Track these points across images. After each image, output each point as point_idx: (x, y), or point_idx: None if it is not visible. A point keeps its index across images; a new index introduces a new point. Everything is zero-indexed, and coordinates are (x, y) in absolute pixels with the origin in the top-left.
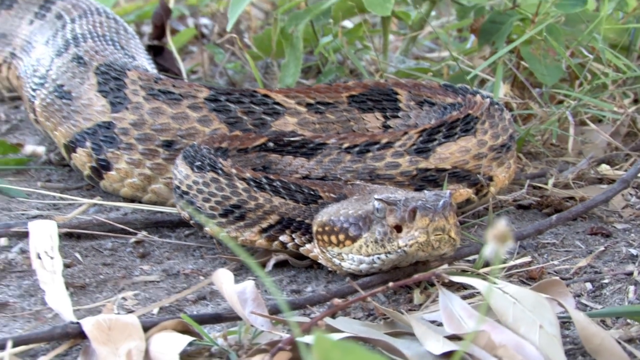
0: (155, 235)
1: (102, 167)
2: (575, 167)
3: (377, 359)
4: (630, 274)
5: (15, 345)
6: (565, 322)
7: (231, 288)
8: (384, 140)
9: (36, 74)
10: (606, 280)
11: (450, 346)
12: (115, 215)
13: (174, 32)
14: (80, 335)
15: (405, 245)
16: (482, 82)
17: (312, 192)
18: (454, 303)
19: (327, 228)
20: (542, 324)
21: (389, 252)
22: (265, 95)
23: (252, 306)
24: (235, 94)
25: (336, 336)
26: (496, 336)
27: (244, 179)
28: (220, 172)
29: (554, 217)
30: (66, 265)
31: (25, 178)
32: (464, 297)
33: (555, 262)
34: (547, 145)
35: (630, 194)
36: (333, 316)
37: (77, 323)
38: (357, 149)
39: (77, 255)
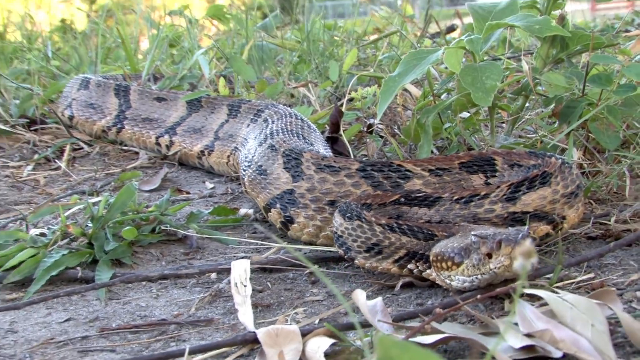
0: (323, 267)
1: (287, 222)
2: (632, 207)
3: (432, 357)
4: None
5: (211, 349)
6: (616, 322)
7: (364, 303)
8: (483, 193)
9: (246, 159)
10: None
11: (525, 341)
12: (296, 255)
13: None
14: (256, 341)
15: (495, 268)
16: (563, 150)
17: (429, 232)
18: (527, 309)
19: (439, 257)
20: (593, 323)
21: (484, 273)
22: (399, 165)
23: (380, 316)
24: (377, 165)
25: (436, 337)
26: (558, 333)
27: (380, 224)
28: (363, 220)
29: (612, 243)
30: (259, 291)
31: (238, 232)
32: (538, 306)
33: (613, 277)
34: (611, 193)
35: None
36: (444, 321)
37: (254, 332)
38: (463, 200)
39: (268, 283)
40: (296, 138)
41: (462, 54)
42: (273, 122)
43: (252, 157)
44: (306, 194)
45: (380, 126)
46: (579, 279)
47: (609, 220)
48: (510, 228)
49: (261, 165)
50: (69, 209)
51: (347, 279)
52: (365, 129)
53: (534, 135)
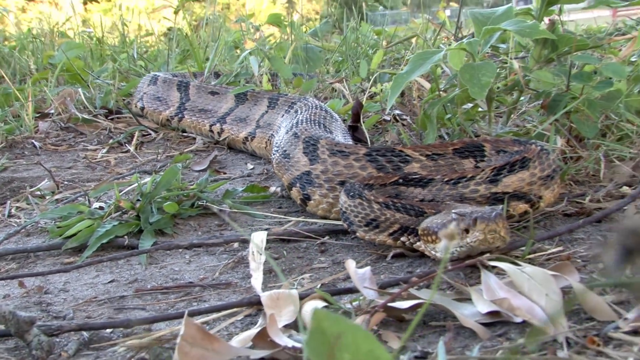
0: (333, 239)
1: (305, 199)
2: (605, 188)
3: (360, 331)
4: None
5: (223, 309)
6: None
7: (354, 271)
8: (469, 175)
9: (276, 144)
10: None
11: (492, 307)
12: (311, 227)
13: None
14: (259, 303)
15: (471, 242)
16: (549, 138)
17: (420, 209)
18: (491, 279)
19: (425, 231)
20: (547, 292)
21: (462, 246)
22: (401, 150)
23: (367, 283)
24: (382, 150)
25: (412, 302)
26: (515, 301)
27: (378, 202)
28: (364, 198)
29: (581, 220)
30: (275, 258)
31: (267, 207)
32: (501, 277)
33: (581, 250)
34: (589, 176)
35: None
36: (427, 287)
37: (259, 295)
38: (452, 181)
39: (284, 252)
40: (317, 127)
41: (463, 55)
42: (301, 113)
43: (280, 142)
44: (320, 175)
45: (404, 116)
46: (550, 251)
47: (584, 200)
48: (487, 207)
49: (286, 150)
50: (129, 186)
51: (352, 249)
52: (389, 118)
53: (529, 125)
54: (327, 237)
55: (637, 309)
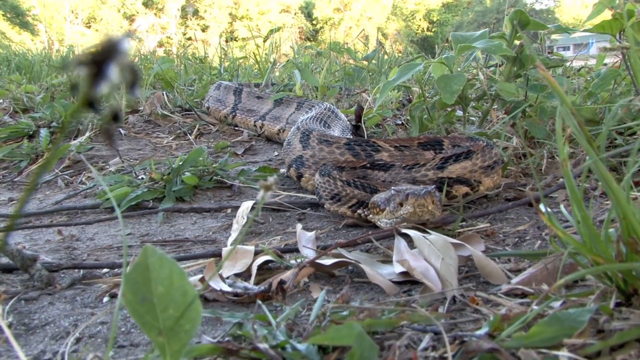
0: (313, 210)
1: (299, 177)
2: (546, 180)
3: (174, 269)
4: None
5: (192, 259)
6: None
7: (299, 233)
8: (422, 162)
9: (289, 135)
10: (528, 237)
11: (399, 267)
12: (297, 200)
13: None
14: (220, 256)
15: (404, 214)
16: (509, 138)
17: (374, 187)
18: (401, 244)
19: (372, 204)
20: (444, 257)
21: (397, 217)
22: (374, 142)
23: (308, 244)
24: (359, 141)
25: (334, 260)
26: (413, 263)
27: (341, 180)
28: (329, 177)
29: (510, 203)
30: (261, 223)
31: None
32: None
33: (506, 227)
34: (537, 169)
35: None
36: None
37: (220, 249)
38: (408, 167)
39: (270, 218)
40: (318, 123)
41: (444, 67)
42: (312, 110)
43: (288, 134)
44: (310, 158)
45: (401, 117)
46: (478, 227)
47: (525, 188)
48: (421, 185)
49: (289, 139)
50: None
51: (324, 218)
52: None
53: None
54: (308, 209)
55: (521, 275)
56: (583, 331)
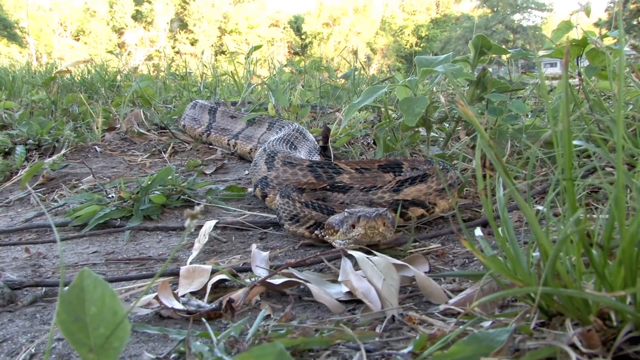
0: (274, 230)
1: (264, 196)
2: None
3: (107, 290)
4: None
5: (149, 277)
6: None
7: (254, 253)
8: (379, 185)
9: (256, 156)
10: (476, 258)
11: (344, 287)
12: (260, 220)
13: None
14: (178, 274)
15: (355, 235)
16: (470, 160)
17: (331, 209)
18: (347, 265)
19: (328, 225)
20: (385, 278)
21: (349, 239)
22: (336, 164)
23: (261, 264)
24: (321, 163)
25: (284, 280)
26: (357, 283)
27: (300, 202)
28: (289, 198)
29: (463, 224)
30: (223, 242)
31: (240, 203)
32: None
33: (457, 248)
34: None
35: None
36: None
37: (179, 268)
38: (365, 189)
39: (233, 237)
40: (284, 145)
41: (408, 90)
42: (281, 131)
43: (256, 154)
44: (274, 179)
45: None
46: (430, 247)
47: (481, 209)
48: (373, 208)
49: (256, 160)
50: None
51: (284, 238)
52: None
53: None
54: (270, 228)
55: (458, 296)
56: (500, 350)
